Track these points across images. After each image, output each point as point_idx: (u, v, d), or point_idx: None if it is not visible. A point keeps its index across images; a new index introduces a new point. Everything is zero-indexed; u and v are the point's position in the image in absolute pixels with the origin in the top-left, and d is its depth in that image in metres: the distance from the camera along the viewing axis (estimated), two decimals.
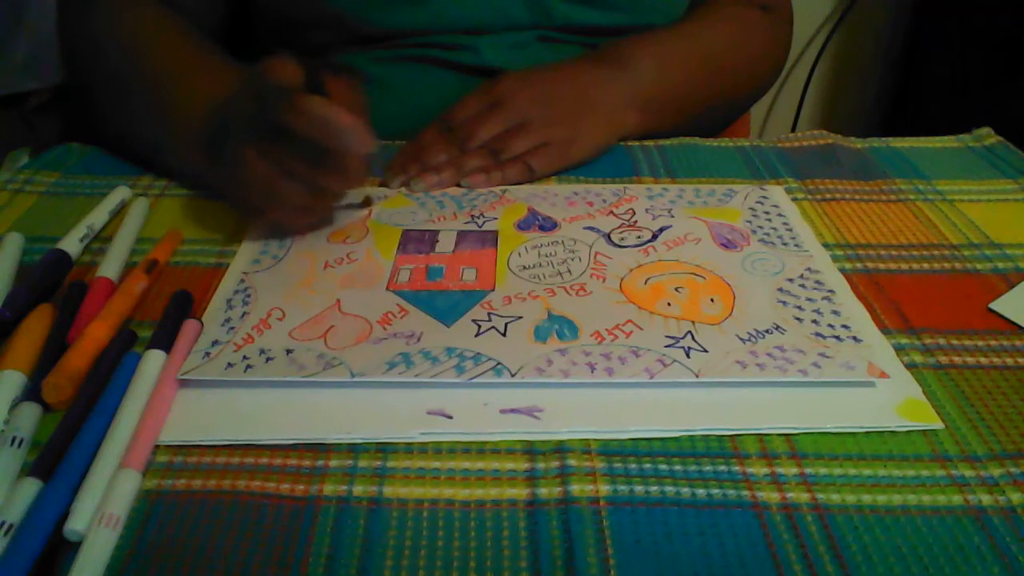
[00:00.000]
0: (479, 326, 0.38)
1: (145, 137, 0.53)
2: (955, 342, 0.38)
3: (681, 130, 0.59)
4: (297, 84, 0.40)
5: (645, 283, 0.42)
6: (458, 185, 0.51)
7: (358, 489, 0.31)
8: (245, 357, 0.36)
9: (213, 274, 0.43)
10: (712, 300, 0.40)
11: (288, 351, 0.36)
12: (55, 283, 0.42)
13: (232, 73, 0.49)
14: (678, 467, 0.32)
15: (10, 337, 0.37)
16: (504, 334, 0.38)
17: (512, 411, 0.34)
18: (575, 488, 0.31)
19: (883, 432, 0.33)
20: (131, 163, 0.55)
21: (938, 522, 0.30)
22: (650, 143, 0.58)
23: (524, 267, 0.43)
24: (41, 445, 0.32)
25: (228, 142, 0.43)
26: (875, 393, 0.35)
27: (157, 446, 0.32)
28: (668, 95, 0.57)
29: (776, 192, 0.51)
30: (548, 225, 0.47)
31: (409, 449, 0.33)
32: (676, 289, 0.41)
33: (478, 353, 0.36)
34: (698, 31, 0.61)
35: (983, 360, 0.37)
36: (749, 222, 0.47)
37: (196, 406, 0.34)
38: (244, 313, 0.39)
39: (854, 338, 0.37)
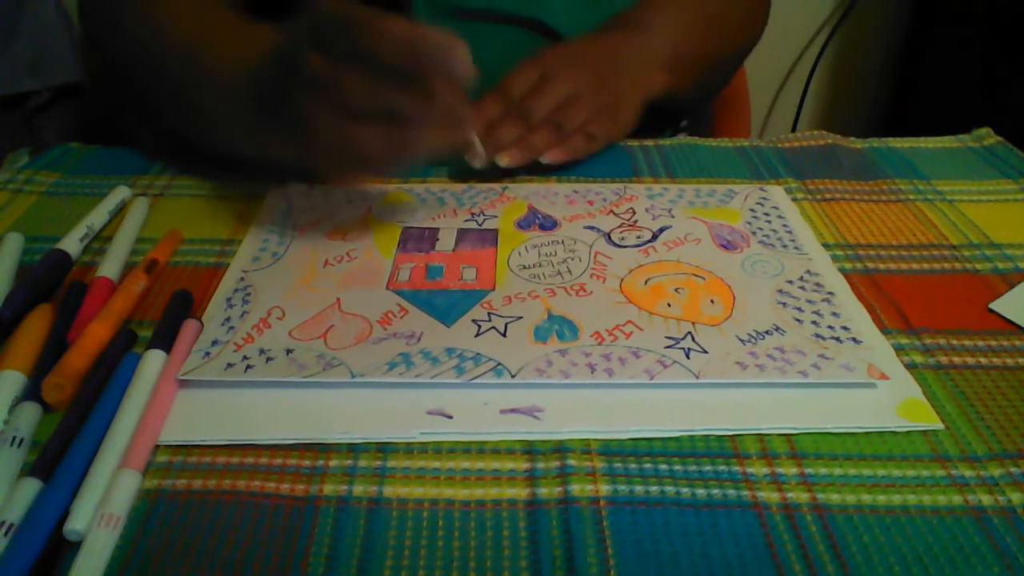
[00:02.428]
0: (479, 326, 0.38)
1: (182, 115, 0.51)
2: (955, 342, 0.38)
3: (694, 89, 0.63)
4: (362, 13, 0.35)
5: (645, 283, 0.42)
6: (536, 167, 0.51)
7: (358, 489, 0.31)
8: (245, 357, 0.36)
9: (213, 274, 0.43)
10: (712, 301, 0.40)
11: (288, 351, 0.36)
12: (55, 283, 0.42)
13: (272, 31, 0.46)
14: (678, 467, 0.32)
15: (10, 337, 0.37)
16: (504, 334, 0.38)
17: (512, 411, 0.34)
18: (575, 488, 0.31)
19: (883, 432, 0.33)
20: (139, 161, 0.55)
21: (938, 522, 0.30)
22: (650, 143, 0.58)
23: (524, 267, 0.43)
24: (41, 445, 0.32)
25: (284, 90, 0.39)
26: (875, 393, 0.35)
27: (157, 446, 0.32)
28: (685, 54, 0.60)
29: (776, 193, 0.51)
30: (548, 224, 0.47)
31: (409, 449, 0.33)
32: (676, 290, 0.41)
33: (478, 353, 0.36)
34: None
35: (983, 360, 0.37)
36: (749, 223, 0.47)
37: (196, 406, 0.34)
38: (244, 312, 0.39)
39: (854, 339, 0.37)
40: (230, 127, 0.47)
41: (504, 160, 0.50)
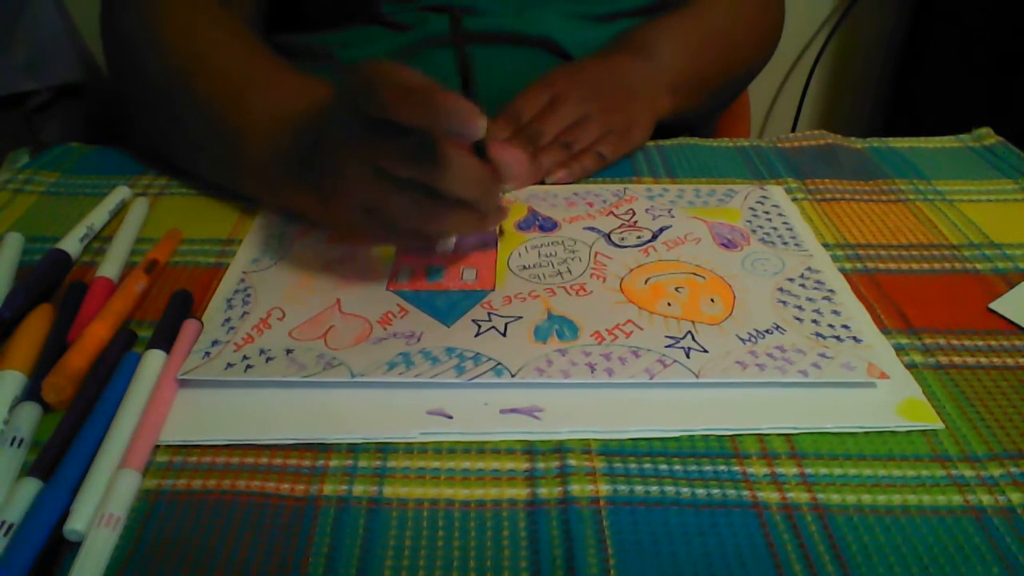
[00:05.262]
0: (479, 326, 0.38)
1: (202, 158, 0.50)
2: (955, 342, 0.38)
3: (701, 108, 0.63)
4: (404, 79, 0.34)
5: (645, 283, 0.42)
6: (541, 183, 0.52)
7: (358, 489, 0.31)
8: (245, 357, 0.36)
9: (213, 274, 0.43)
10: (712, 300, 0.40)
11: (288, 351, 0.36)
12: (55, 283, 0.42)
13: (317, 84, 0.46)
14: (678, 467, 0.32)
15: (10, 337, 0.37)
16: (504, 334, 0.38)
17: (512, 411, 0.34)
18: (575, 488, 0.31)
19: (883, 432, 0.33)
20: (139, 161, 0.55)
21: (938, 522, 0.30)
22: (650, 143, 0.58)
23: (524, 267, 0.43)
24: (41, 445, 0.32)
25: (322, 155, 0.38)
26: (875, 393, 0.35)
27: (157, 446, 0.33)
28: (691, 76, 0.60)
29: (776, 192, 0.51)
30: (548, 225, 0.47)
31: (409, 449, 0.33)
32: (676, 289, 0.41)
33: (478, 353, 0.36)
34: (706, 12, 0.63)
35: (983, 360, 0.37)
36: (749, 222, 0.47)
37: (196, 406, 0.34)
38: (244, 313, 0.39)
39: (854, 338, 0.37)
40: (258, 175, 0.46)
41: (507, 188, 0.50)
